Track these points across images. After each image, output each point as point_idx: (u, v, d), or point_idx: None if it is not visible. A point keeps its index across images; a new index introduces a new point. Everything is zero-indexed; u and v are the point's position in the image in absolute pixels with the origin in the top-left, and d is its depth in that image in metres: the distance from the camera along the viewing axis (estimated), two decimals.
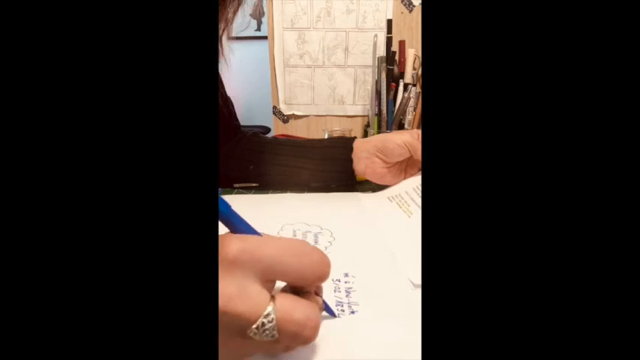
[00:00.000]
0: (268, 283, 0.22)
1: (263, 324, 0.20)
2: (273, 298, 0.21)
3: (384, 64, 0.81)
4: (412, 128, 0.82)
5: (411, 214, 0.47)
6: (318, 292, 0.26)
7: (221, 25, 0.42)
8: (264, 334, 0.20)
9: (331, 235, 0.43)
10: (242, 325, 0.20)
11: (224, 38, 0.44)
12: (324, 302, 0.27)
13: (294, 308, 0.21)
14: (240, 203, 0.54)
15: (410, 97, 0.81)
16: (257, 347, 0.22)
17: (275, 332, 0.20)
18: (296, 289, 0.24)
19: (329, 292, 0.32)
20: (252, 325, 0.20)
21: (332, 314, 0.29)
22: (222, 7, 0.40)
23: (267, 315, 0.20)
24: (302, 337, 0.21)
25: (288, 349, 0.22)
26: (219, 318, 0.20)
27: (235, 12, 0.42)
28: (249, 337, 0.20)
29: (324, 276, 0.23)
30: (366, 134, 0.89)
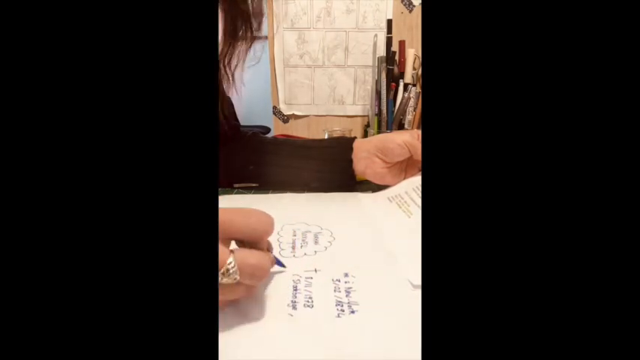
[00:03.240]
0: (226, 241, 0.27)
1: (228, 269, 0.25)
2: (232, 251, 0.26)
3: (384, 64, 0.81)
4: (412, 128, 0.82)
5: (411, 214, 0.47)
6: (269, 249, 0.33)
7: (233, 61, 0.45)
8: (230, 276, 0.26)
9: (331, 235, 0.43)
10: None
11: (237, 74, 0.47)
12: (274, 257, 0.34)
13: (249, 256, 0.27)
14: (240, 203, 0.54)
15: (410, 97, 0.81)
16: (224, 294, 0.27)
17: (237, 275, 0.26)
18: (251, 246, 0.29)
19: (329, 292, 0.32)
20: (220, 271, 0.25)
21: (282, 265, 0.35)
22: (233, 40, 0.43)
23: (230, 262, 0.25)
24: (257, 275, 0.28)
25: (247, 291, 0.29)
26: None
27: (248, 48, 0.45)
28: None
29: (269, 230, 0.30)
30: (366, 134, 0.89)
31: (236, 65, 0.48)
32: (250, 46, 0.47)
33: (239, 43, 0.45)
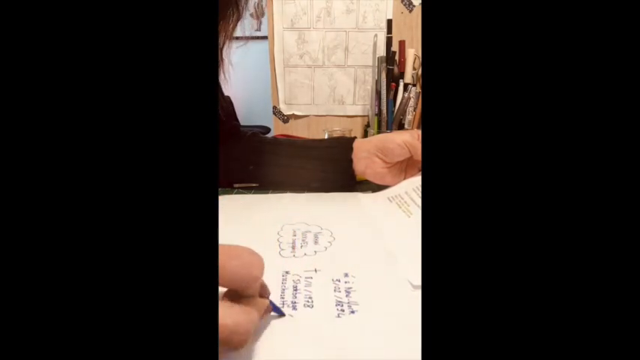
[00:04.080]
0: None
1: None
2: None
3: (384, 64, 0.81)
4: (412, 128, 0.82)
5: (411, 214, 0.47)
6: (263, 295, 0.27)
7: (221, 40, 0.44)
8: None
9: (331, 235, 0.43)
10: None
11: (224, 51, 0.46)
12: (271, 303, 0.28)
13: (224, 315, 0.21)
14: (240, 203, 0.54)
15: (410, 97, 0.81)
16: None
17: None
18: (237, 293, 0.24)
19: (329, 292, 0.32)
20: None
21: (281, 314, 0.29)
22: (223, 21, 0.42)
23: None
24: (232, 342, 0.22)
25: (220, 354, 0.22)
26: None
27: (235, 26, 0.44)
28: None
29: (257, 275, 0.24)
30: (366, 134, 0.89)
31: (223, 43, 0.47)
32: (237, 24, 0.46)
33: (226, 22, 0.44)
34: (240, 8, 0.44)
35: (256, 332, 0.26)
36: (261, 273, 0.25)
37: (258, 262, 0.25)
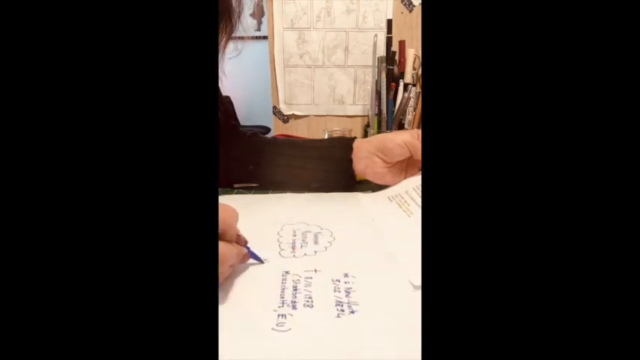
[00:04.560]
0: None
1: None
2: None
3: (384, 64, 0.81)
4: (412, 128, 0.82)
5: (411, 213, 0.47)
6: (239, 242, 0.34)
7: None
8: None
9: (331, 235, 0.43)
10: None
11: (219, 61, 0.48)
12: (248, 250, 0.35)
13: None
14: (240, 203, 0.54)
15: (410, 97, 0.81)
16: None
17: None
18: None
19: (329, 292, 0.32)
20: None
21: (259, 260, 0.36)
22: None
23: None
24: None
25: None
26: None
27: (228, 40, 0.46)
28: None
29: (229, 222, 0.31)
30: (366, 134, 0.89)
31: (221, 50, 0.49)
32: (229, 39, 0.47)
33: (220, 36, 0.46)
34: (233, 23, 0.46)
35: (234, 272, 0.33)
36: (236, 220, 0.32)
37: (233, 212, 0.31)
